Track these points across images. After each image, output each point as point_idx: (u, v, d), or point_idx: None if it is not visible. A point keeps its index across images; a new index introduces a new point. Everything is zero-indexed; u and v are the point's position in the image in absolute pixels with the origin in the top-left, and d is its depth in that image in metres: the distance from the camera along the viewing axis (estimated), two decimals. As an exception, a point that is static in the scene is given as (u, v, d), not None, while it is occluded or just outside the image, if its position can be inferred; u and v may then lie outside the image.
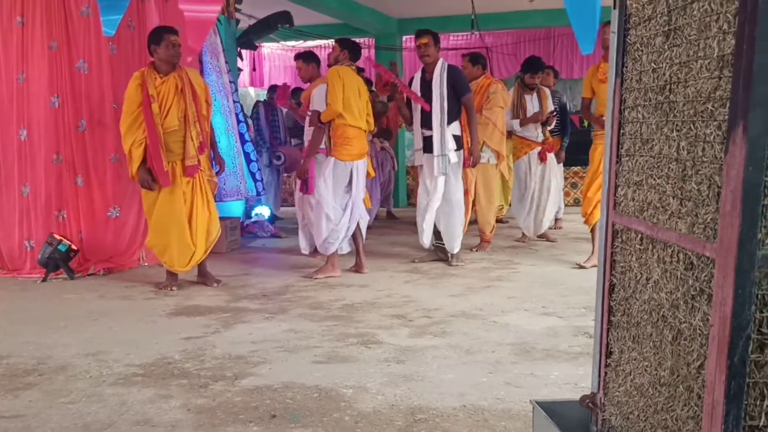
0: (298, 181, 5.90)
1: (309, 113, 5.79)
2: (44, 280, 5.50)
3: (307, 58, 6.25)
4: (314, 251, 6.24)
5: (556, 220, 8.06)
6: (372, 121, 5.69)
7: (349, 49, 5.54)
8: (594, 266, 5.39)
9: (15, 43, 5.77)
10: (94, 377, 3.26)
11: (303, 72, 6.27)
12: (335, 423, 2.69)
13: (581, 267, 5.68)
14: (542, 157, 6.95)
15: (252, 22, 9.52)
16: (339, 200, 5.45)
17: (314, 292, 5.00)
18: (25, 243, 5.84)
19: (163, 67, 4.93)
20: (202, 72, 7.19)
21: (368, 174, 5.69)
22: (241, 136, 7.29)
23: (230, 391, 3.04)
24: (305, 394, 3.00)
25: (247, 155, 7.33)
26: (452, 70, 5.78)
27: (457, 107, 5.78)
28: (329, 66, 5.57)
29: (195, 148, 4.99)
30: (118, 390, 3.08)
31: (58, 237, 5.53)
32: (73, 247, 5.59)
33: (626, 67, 1.79)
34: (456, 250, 5.96)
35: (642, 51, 1.69)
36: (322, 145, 5.55)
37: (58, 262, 5.52)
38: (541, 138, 6.94)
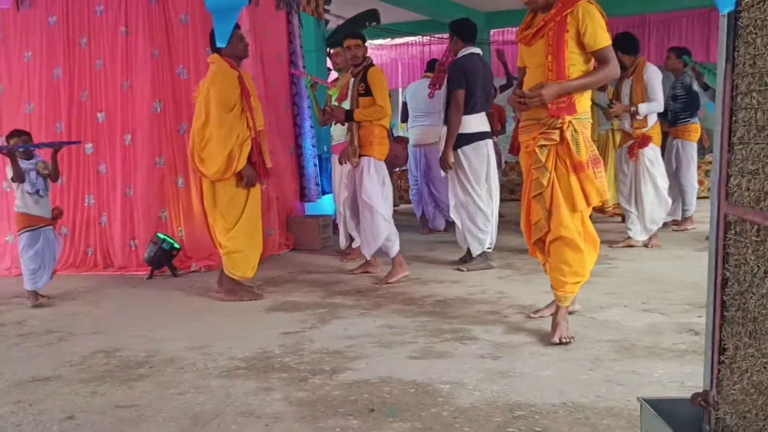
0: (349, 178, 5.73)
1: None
2: (150, 277, 5.77)
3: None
4: (349, 248, 6.26)
5: (680, 221, 7.15)
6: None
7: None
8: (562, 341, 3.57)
9: (120, 52, 6.09)
10: (200, 369, 3.40)
11: (343, 59, 5.86)
12: (433, 418, 2.70)
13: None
14: (630, 153, 6.01)
15: (340, 22, 9.67)
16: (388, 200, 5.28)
17: (407, 288, 5.03)
18: (130, 243, 6.15)
19: (235, 63, 4.63)
20: (292, 77, 7.36)
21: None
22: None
23: (329, 385, 3.11)
24: (402, 388, 3.03)
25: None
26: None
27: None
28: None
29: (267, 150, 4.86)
30: (222, 382, 3.20)
31: (162, 236, 5.79)
32: (176, 245, 5.84)
33: (738, 51, 1.71)
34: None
35: (756, 34, 1.62)
36: (337, 140, 5.76)
37: (162, 260, 5.79)
38: (631, 129, 5.97)
